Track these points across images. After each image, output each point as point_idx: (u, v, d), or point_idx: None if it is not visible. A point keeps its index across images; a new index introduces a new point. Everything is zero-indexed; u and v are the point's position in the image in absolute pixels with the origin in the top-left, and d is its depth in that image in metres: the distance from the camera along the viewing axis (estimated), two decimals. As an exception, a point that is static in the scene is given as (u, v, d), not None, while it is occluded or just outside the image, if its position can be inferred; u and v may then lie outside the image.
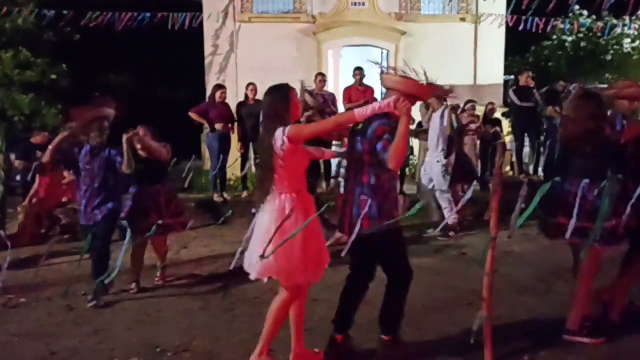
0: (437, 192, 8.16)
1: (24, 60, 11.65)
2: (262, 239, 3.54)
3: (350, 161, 3.99)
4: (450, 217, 7.87)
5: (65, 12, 11.73)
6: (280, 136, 3.60)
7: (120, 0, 12.76)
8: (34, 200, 8.44)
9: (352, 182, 3.89)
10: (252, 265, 3.64)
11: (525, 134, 11.05)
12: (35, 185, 8.57)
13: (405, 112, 3.56)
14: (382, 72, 4.11)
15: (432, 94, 4.61)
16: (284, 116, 3.68)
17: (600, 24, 15.02)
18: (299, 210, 3.62)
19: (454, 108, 8.87)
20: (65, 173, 8.52)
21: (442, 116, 8.07)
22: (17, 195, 9.39)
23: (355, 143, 3.88)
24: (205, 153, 11.70)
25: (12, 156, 9.23)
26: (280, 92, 3.77)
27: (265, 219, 3.63)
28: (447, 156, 8.10)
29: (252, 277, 3.66)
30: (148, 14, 12.80)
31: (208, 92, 13.16)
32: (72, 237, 8.07)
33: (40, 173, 8.50)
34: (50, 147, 5.65)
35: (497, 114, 12.12)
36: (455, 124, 8.31)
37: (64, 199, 8.59)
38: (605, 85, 15.29)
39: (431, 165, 8.21)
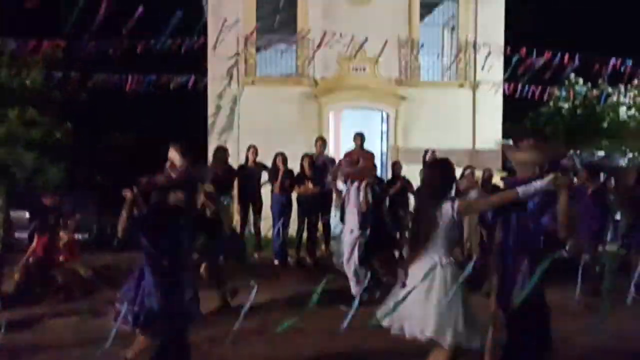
0: (343, 262, 7.77)
1: (30, 119, 11.82)
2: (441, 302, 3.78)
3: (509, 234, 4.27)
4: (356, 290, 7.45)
5: (72, 73, 12.01)
6: (449, 210, 3.87)
7: (126, 61, 13.07)
8: (30, 259, 8.38)
9: (514, 251, 4.18)
10: (432, 328, 3.79)
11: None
12: (33, 245, 8.54)
13: (565, 187, 3.95)
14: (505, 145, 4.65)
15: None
16: (448, 190, 4.04)
17: (595, 92, 15.38)
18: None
19: (374, 183, 8.43)
20: (62, 233, 8.51)
21: (358, 189, 7.77)
22: (17, 253, 9.32)
23: (511, 219, 4.23)
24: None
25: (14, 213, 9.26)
26: (446, 167, 4.14)
27: (427, 283, 3.84)
28: (362, 227, 7.73)
29: (447, 344, 3.80)
30: (154, 76, 13.11)
31: (210, 153, 13.43)
32: (67, 298, 7.97)
33: (39, 232, 8.49)
34: (122, 224, 4.75)
35: (496, 179, 12.19)
36: (371, 198, 7.84)
37: (61, 259, 8.54)
38: (602, 153, 15.58)
39: (345, 235, 7.85)
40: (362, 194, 7.69)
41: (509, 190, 4.04)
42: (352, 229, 7.70)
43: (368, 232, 7.82)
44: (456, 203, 3.88)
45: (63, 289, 8.18)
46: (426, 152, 10.63)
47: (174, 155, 5.69)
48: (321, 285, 4.06)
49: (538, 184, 3.86)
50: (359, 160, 8.21)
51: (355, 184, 7.81)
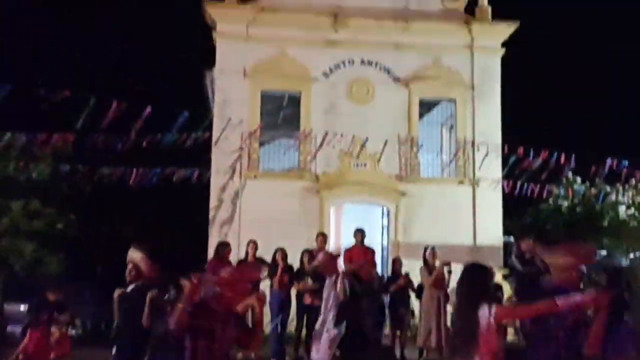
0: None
1: (34, 210, 11.95)
2: None
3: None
4: None
5: (80, 166, 12.27)
6: (486, 315, 3.80)
7: (132, 155, 13.38)
8: (20, 356, 8.17)
9: None
10: None
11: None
12: (25, 340, 8.35)
13: (605, 307, 3.92)
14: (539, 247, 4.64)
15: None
16: (482, 295, 3.96)
17: (594, 190, 15.55)
18: None
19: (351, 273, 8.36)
20: (54, 328, 8.33)
21: (335, 282, 7.70)
22: (9, 347, 9.09)
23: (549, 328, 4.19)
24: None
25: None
26: (485, 274, 4.11)
27: None
28: (337, 324, 7.59)
29: None
30: (158, 170, 13.36)
31: (210, 245, 13.42)
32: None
33: (32, 327, 8.33)
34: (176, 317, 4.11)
35: (498, 277, 12.07)
36: (348, 291, 7.72)
37: (52, 355, 8.32)
38: (605, 252, 15.50)
39: (321, 335, 7.66)
40: (338, 286, 7.59)
41: (548, 301, 3.91)
42: (326, 326, 7.53)
43: (343, 327, 7.59)
44: (494, 308, 3.76)
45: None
46: (426, 248, 10.59)
47: None
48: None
49: (578, 297, 3.76)
50: (321, 256, 8.25)
51: (333, 278, 7.74)
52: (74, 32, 31.26)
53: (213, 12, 14.69)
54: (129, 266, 5.88)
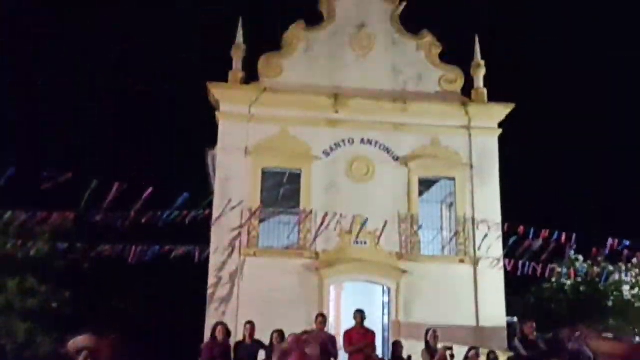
0: None
1: (29, 288, 11.80)
2: None
3: None
4: None
5: (78, 244, 12.23)
6: None
7: (131, 232, 13.35)
8: None
9: None
10: None
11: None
12: None
13: None
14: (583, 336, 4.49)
15: None
16: None
17: (597, 270, 15.40)
18: None
19: None
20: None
21: None
22: None
23: None
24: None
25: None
26: None
27: None
28: None
29: None
30: (157, 247, 13.31)
31: (207, 323, 13.14)
32: None
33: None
34: None
35: (503, 360, 11.74)
36: None
37: None
38: (610, 335, 15.13)
39: None
40: None
41: None
42: None
43: None
44: None
45: None
46: (428, 330, 10.38)
47: None
48: None
49: None
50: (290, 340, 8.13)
51: None
52: (79, 115, 32.04)
53: (217, 92, 15.10)
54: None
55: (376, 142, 15.31)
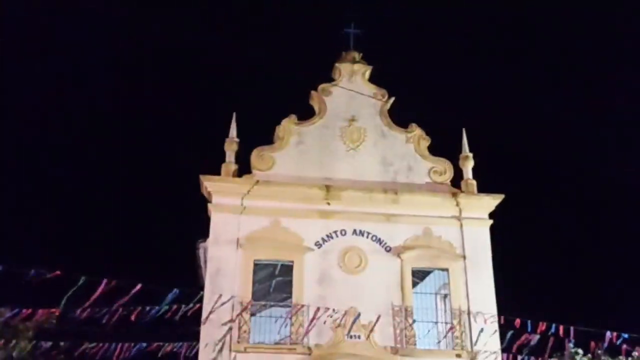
0: None
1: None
2: None
3: None
4: None
5: (62, 343, 11.84)
6: None
7: (116, 328, 12.92)
8: None
9: None
10: None
11: None
12: None
13: None
14: None
15: None
16: None
17: (597, 364, 14.95)
18: None
19: None
20: None
21: None
22: None
23: None
24: None
25: None
26: None
27: None
28: None
29: None
30: (144, 344, 12.89)
31: None
32: None
33: None
34: None
35: None
36: None
37: None
38: None
39: None
40: None
41: None
42: None
43: None
44: None
45: None
46: None
47: None
48: None
49: None
50: None
51: None
52: (66, 205, 32.02)
53: (209, 185, 15.22)
54: None
55: (368, 233, 15.30)
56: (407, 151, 16.43)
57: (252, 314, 15.09)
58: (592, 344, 11.51)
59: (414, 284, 15.56)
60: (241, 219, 15.02)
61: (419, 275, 15.89)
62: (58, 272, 9.01)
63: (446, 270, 15.39)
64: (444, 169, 16.29)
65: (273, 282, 16.71)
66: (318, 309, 12.66)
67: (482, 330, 13.09)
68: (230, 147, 15.89)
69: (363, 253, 15.13)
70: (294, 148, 16.16)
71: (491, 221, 15.68)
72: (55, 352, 12.21)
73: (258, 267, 15.10)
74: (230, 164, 15.70)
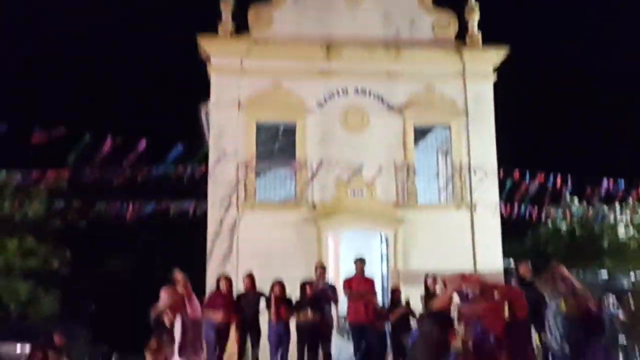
0: None
1: (28, 248, 11.82)
2: None
3: None
4: None
5: (74, 202, 12.19)
6: None
7: (128, 189, 13.29)
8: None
9: None
10: None
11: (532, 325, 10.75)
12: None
13: None
14: None
15: None
16: None
17: (592, 211, 15.51)
18: None
19: None
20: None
21: None
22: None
23: None
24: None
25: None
26: None
27: None
28: None
29: None
30: (154, 204, 13.28)
31: (208, 278, 13.29)
32: None
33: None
34: None
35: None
36: None
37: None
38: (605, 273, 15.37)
39: None
40: None
41: None
42: None
43: None
44: None
45: None
46: (427, 276, 10.49)
47: None
48: None
49: None
50: None
51: None
52: (68, 65, 31.50)
53: (207, 45, 14.82)
54: None
55: (370, 92, 15.14)
56: (410, 4, 15.72)
57: (257, 175, 15.42)
58: (588, 190, 11.80)
59: (416, 142, 15.67)
60: (241, 81, 14.81)
61: (421, 133, 15.95)
62: (62, 129, 9.02)
63: (448, 126, 15.44)
64: (448, 22, 15.69)
65: (276, 145, 16.84)
66: (321, 161, 12.84)
67: (482, 179, 13.36)
68: (227, 5, 15.24)
69: (365, 111, 15.08)
70: (293, 5, 15.48)
71: (495, 75, 15.42)
72: (69, 213, 12.60)
73: (260, 129, 15.14)
74: (227, 23, 15.15)
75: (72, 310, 14.43)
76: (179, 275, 7.62)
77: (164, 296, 7.36)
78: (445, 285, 9.47)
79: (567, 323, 6.29)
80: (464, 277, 6.19)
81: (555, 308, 6.61)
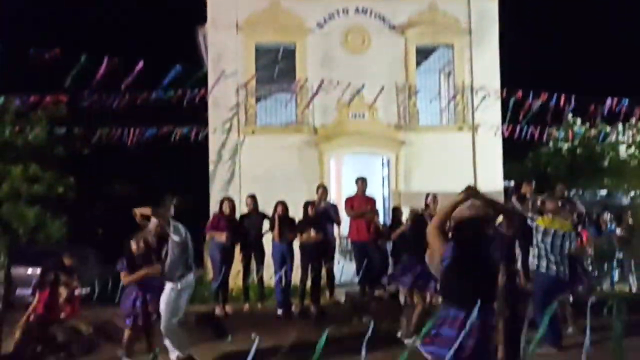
0: None
1: (33, 174, 11.87)
2: None
3: None
4: None
5: (76, 129, 12.16)
6: None
7: (128, 114, 13.23)
8: (31, 317, 8.26)
9: None
10: None
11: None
12: (34, 302, 8.44)
13: None
14: None
15: None
16: None
17: (594, 131, 15.46)
18: None
19: None
20: (62, 289, 8.40)
21: None
22: (18, 311, 9.19)
23: None
24: (208, 263, 11.65)
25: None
26: None
27: None
28: None
29: None
30: (155, 129, 13.25)
31: (211, 202, 13.48)
32: (68, 357, 7.82)
33: (39, 288, 8.41)
34: None
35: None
36: None
37: (62, 316, 8.42)
38: (605, 192, 15.53)
39: None
40: None
41: None
42: None
43: None
44: None
45: (64, 348, 8.05)
46: (427, 195, 10.61)
47: None
48: (325, 335, 3.99)
49: None
50: None
51: None
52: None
53: (201, -36, 14.30)
54: None
55: (371, 11, 14.73)
56: None
57: (258, 99, 15.29)
58: (592, 108, 11.70)
59: (418, 63, 15.43)
60: (239, 1, 14.41)
61: (423, 54, 15.67)
62: (58, 51, 8.86)
63: (451, 46, 15.14)
64: None
65: (276, 68, 16.60)
66: (322, 81, 12.68)
67: (484, 97, 13.24)
68: None
69: (366, 32, 14.73)
70: None
71: (500, -7, 14.95)
72: (71, 139, 12.58)
73: (260, 51, 14.86)
74: (221, -61, 14.54)
75: (80, 234, 14.73)
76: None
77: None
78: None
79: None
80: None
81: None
